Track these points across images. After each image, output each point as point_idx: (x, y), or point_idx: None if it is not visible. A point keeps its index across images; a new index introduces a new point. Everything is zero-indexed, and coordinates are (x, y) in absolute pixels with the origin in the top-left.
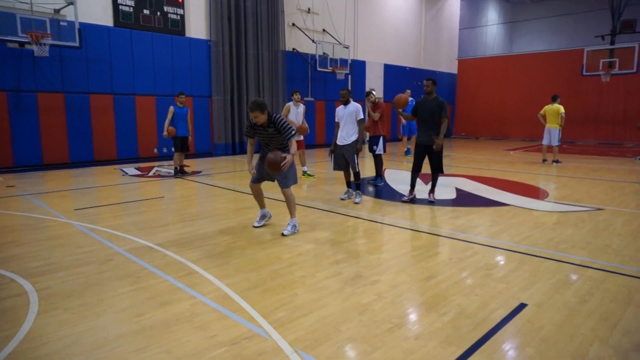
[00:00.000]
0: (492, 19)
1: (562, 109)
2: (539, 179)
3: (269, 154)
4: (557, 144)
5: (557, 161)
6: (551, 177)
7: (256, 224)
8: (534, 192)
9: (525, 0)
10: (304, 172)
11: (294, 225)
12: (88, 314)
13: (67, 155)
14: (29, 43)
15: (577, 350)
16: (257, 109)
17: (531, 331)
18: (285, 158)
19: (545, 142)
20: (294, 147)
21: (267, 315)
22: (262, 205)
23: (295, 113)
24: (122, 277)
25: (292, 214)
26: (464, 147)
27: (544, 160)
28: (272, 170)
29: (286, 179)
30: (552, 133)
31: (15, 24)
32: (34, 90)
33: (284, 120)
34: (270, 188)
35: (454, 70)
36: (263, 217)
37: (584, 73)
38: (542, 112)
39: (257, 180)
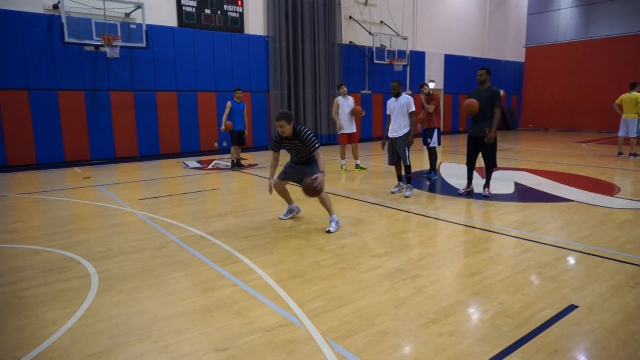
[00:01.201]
0: (565, 2)
1: None
2: (612, 173)
3: (305, 179)
4: (635, 135)
5: (635, 154)
6: (627, 171)
7: (282, 217)
8: (602, 188)
9: None
10: (357, 166)
11: (337, 222)
12: (139, 296)
13: (136, 149)
14: (102, 46)
15: (630, 357)
16: (284, 119)
17: (578, 334)
18: (317, 179)
19: (621, 133)
20: (321, 162)
21: (303, 305)
22: (289, 202)
23: (346, 105)
24: (172, 264)
25: (330, 211)
26: (530, 140)
27: (620, 154)
28: (309, 194)
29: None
30: (629, 124)
31: (91, 28)
32: (107, 89)
33: (309, 133)
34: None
35: (521, 59)
36: (290, 211)
37: None
38: (617, 101)
39: (282, 178)
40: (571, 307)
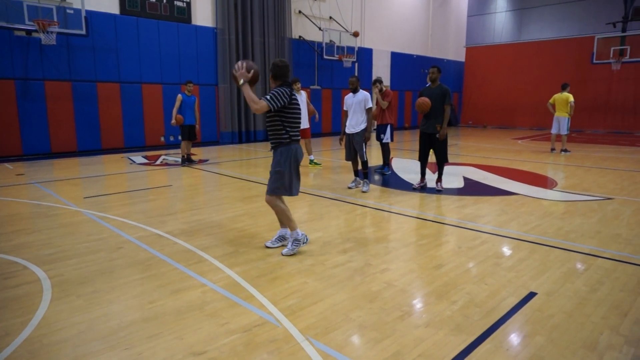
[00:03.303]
0: (501, 6)
1: (571, 98)
2: (547, 168)
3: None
4: (565, 132)
5: (565, 150)
6: (559, 166)
7: (268, 244)
8: (542, 182)
9: None
10: (311, 161)
11: (295, 240)
12: (100, 300)
13: (75, 144)
14: (36, 31)
15: (588, 338)
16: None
17: (541, 319)
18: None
19: (554, 131)
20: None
21: (277, 303)
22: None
23: (299, 101)
24: (132, 265)
25: (285, 226)
26: (470, 136)
27: (552, 150)
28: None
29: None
30: (560, 122)
31: (23, 12)
32: (42, 78)
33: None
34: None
35: (462, 58)
36: (282, 238)
37: (594, 61)
38: (551, 100)
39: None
40: (531, 294)
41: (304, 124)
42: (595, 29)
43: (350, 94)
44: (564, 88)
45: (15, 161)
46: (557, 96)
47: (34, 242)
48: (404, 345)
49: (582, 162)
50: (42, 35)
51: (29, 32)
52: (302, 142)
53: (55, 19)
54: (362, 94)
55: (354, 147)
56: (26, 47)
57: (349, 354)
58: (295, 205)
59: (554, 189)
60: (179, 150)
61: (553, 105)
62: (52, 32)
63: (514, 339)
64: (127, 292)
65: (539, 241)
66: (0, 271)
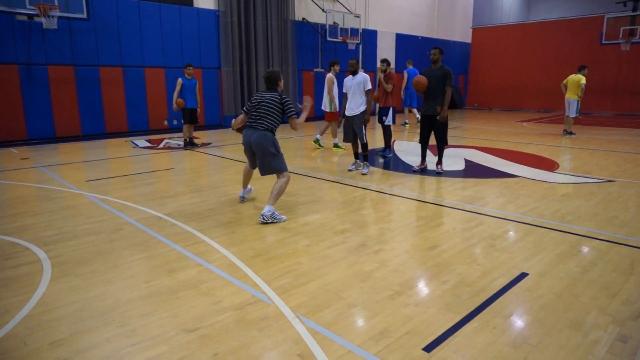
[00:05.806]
0: None
1: (583, 80)
2: (550, 150)
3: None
4: (573, 115)
5: (570, 132)
6: (563, 148)
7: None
8: (544, 164)
9: None
10: (335, 144)
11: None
12: (98, 280)
13: (79, 128)
14: (37, 15)
15: (575, 317)
16: None
17: (530, 299)
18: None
19: (567, 112)
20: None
21: (271, 282)
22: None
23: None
24: (131, 246)
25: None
26: (475, 118)
27: (565, 131)
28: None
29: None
30: (570, 104)
31: None
32: (45, 63)
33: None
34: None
35: (468, 40)
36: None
37: (603, 42)
38: (564, 81)
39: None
40: (522, 275)
41: (325, 107)
42: (605, 8)
43: (350, 76)
44: (580, 70)
45: (20, 145)
46: (570, 77)
47: (36, 224)
48: (391, 323)
49: (586, 145)
50: (43, 20)
51: (30, 16)
52: (325, 125)
53: (56, 3)
54: (362, 75)
55: (353, 130)
56: (28, 31)
57: (337, 331)
58: (294, 187)
59: (556, 171)
60: (182, 134)
61: (566, 87)
62: (53, 16)
63: (501, 317)
64: (125, 272)
65: (536, 223)
66: (1, 252)
